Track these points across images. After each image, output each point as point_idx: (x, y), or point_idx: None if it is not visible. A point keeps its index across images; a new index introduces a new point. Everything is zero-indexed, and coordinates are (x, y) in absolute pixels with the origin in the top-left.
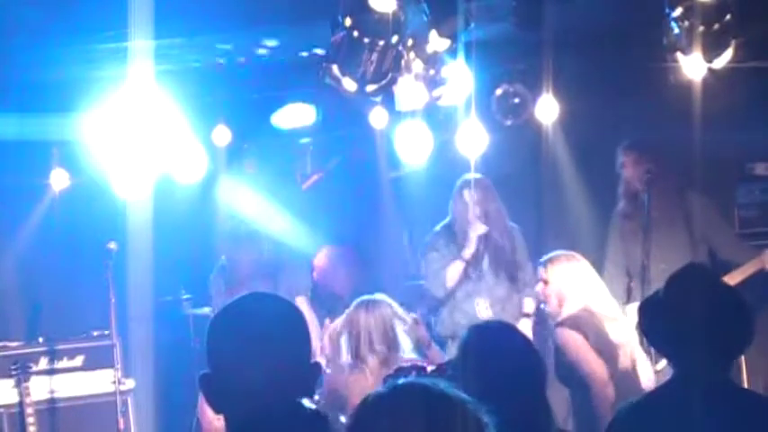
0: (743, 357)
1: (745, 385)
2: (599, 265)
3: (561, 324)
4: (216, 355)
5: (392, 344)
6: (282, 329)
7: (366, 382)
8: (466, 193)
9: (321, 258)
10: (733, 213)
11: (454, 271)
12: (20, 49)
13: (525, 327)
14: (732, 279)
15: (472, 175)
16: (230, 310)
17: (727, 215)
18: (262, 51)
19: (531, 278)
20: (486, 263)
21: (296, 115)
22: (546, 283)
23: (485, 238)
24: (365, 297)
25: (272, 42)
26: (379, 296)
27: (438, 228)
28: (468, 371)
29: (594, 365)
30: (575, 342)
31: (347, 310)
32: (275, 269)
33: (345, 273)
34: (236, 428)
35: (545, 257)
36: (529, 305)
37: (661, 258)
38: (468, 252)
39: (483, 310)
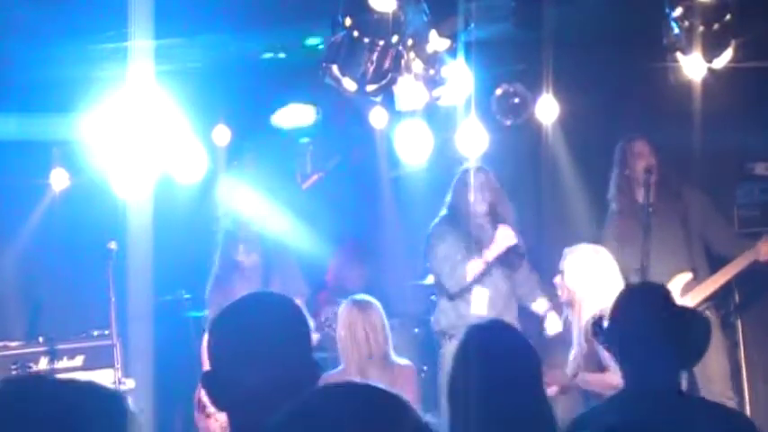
0: (742, 356)
1: (745, 384)
2: None
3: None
4: (217, 354)
5: (373, 350)
6: (283, 329)
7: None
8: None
9: (335, 256)
10: (732, 213)
11: (474, 269)
12: (20, 49)
13: (554, 320)
14: (727, 272)
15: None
16: (232, 309)
17: (726, 215)
18: (262, 51)
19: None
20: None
21: (296, 115)
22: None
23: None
24: (357, 296)
25: (272, 42)
26: (368, 298)
27: (438, 219)
28: (469, 371)
29: None
30: None
31: (340, 308)
32: (268, 270)
33: (357, 270)
34: (238, 427)
35: (567, 249)
36: (542, 305)
37: (659, 256)
38: (492, 255)
39: (481, 298)
